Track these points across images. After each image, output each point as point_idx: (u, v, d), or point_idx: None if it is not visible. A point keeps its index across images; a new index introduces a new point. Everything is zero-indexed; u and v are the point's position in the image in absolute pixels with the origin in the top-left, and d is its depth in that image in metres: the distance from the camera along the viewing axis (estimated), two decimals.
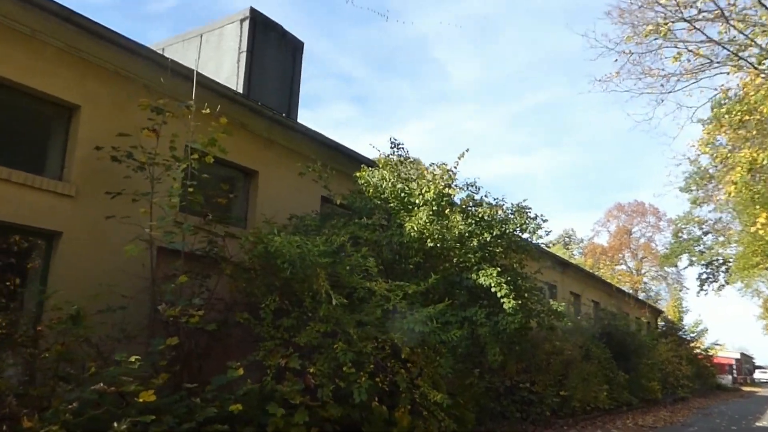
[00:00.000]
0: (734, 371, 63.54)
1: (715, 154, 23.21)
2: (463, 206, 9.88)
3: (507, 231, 9.84)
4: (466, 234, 9.42)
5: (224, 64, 10.95)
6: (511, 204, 10.36)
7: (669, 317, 38.62)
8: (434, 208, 9.12)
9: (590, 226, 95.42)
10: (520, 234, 10.28)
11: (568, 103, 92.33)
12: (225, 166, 9.90)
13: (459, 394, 10.51)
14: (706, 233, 45.08)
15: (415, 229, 8.77)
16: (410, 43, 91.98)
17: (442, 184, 9.43)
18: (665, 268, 61.30)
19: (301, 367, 6.91)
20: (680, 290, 56.65)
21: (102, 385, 4.93)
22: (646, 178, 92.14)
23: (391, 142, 10.85)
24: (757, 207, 18.96)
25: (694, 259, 44.22)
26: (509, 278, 9.71)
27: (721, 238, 43.25)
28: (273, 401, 6.62)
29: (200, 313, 6.57)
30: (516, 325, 8.71)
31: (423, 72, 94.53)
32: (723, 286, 44.05)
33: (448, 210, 9.19)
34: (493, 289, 8.83)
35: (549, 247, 24.07)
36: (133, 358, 5.45)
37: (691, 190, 43.55)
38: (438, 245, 8.97)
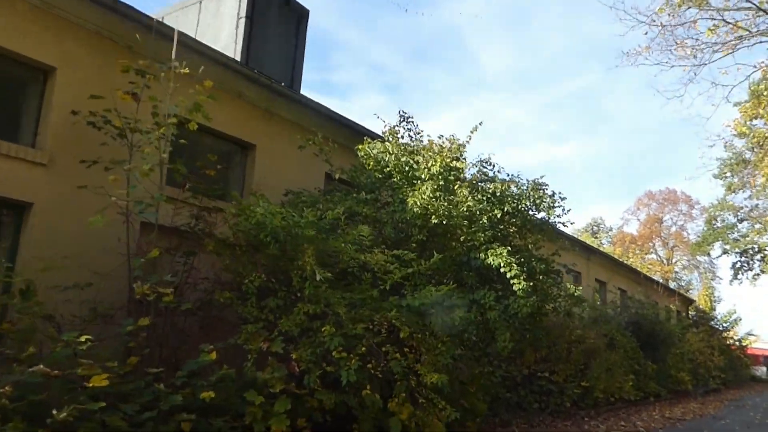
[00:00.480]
0: None
1: (752, 135, 21.95)
2: (473, 181, 9.15)
3: (520, 208, 9.07)
4: (476, 211, 8.69)
5: (222, 31, 10.34)
6: (527, 180, 9.59)
7: (700, 306, 37.27)
8: (440, 182, 8.41)
9: (620, 214, 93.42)
10: (536, 212, 9.49)
11: (604, 91, 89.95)
12: (220, 138, 9.32)
13: (469, 383, 9.84)
14: (741, 220, 43.37)
15: (418, 204, 8.06)
16: (442, 31, 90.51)
17: (450, 157, 8.70)
18: (697, 257, 59.37)
19: (284, 351, 6.29)
20: (712, 279, 54.85)
21: (41, 366, 4.36)
22: (682, 167, 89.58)
23: (400, 115, 10.13)
24: None
25: (727, 247, 42.58)
26: (522, 259, 8.98)
27: (758, 226, 41.61)
28: (253, 389, 6.03)
29: (168, 291, 5.96)
30: (528, 309, 7.99)
31: (455, 61, 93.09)
32: (758, 275, 42.42)
33: (457, 186, 8.46)
34: (502, 270, 8.11)
35: (576, 232, 23.08)
36: (83, 338, 4.87)
37: (726, 176, 41.97)
38: (444, 222, 8.26)
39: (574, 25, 79.82)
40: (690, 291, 54.42)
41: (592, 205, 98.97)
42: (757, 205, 41.27)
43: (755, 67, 17.95)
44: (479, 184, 9.07)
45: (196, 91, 7.00)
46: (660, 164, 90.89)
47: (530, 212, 9.45)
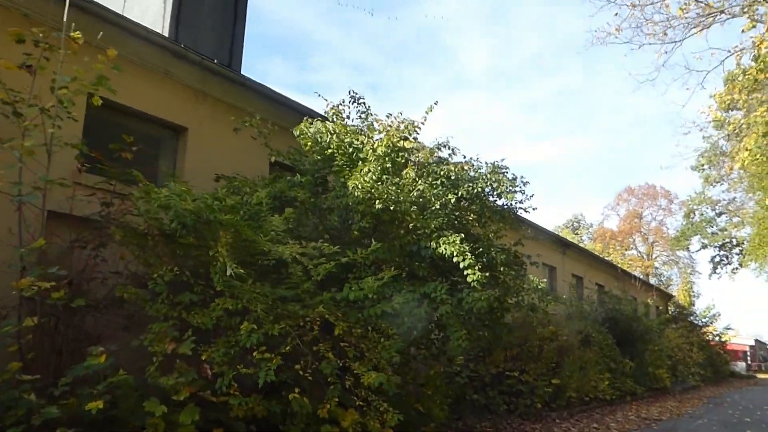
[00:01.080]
0: (749, 358, 61.69)
1: (728, 122, 21.48)
2: (425, 164, 8.38)
3: (477, 192, 8.32)
4: (429, 196, 7.93)
5: (151, 6, 9.47)
6: (485, 163, 8.83)
7: (680, 302, 36.90)
8: (387, 164, 7.63)
9: (600, 210, 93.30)
10: (496, 198, 8.75)
11: (584, 90, 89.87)
12: (147, 121, 8.48)
13: (425, 384, 9.07)
14: (719, 214, 43.17)
15: (360, 188, 7.27)
16: (422, 30, 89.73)
17: (398, 136, 7.92)
18: (677, 253, 59.28)
19: (193, 353, 5.47)
20: (691, 274, 54.69)
21: None
22: (663, 162, 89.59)
23: (350, 95, 9.29)
24: None
25: (706, 241, 42.38)
26: (479, 248, 8.23)
27: (736, 219, 41.44)
28: (155, 397, 5.20)
29: (47, 285, 5.11)
30: (484, 303, 7.22)
31: (435, 60, 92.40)
32: (737, 268, 42.24)
33: (409, 168, 7.68)
34: (455, 259, 7.33)
35: (556, 229, 22.54)
36: None
37: (703, 168, 41.72)
38: (391, 208, 7.47)
39: (552, 22, 79.61)
40: (670, 287, 54.21)
41: (575, 203, 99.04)
42: (734, 198, 41.10)
43: (729, 51, 17.45)
44: (431, 166, 8.29)
45: (99, 61, 6.16)
46: (641, 161, 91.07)
47: (489, 198, 8.69)
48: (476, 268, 7.27)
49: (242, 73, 9.76)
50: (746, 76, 16.11)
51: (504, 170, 8.83)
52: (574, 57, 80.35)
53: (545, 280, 9.40)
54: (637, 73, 33.20)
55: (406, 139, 7.97)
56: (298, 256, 5.84)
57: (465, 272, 7.30)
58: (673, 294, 39.13)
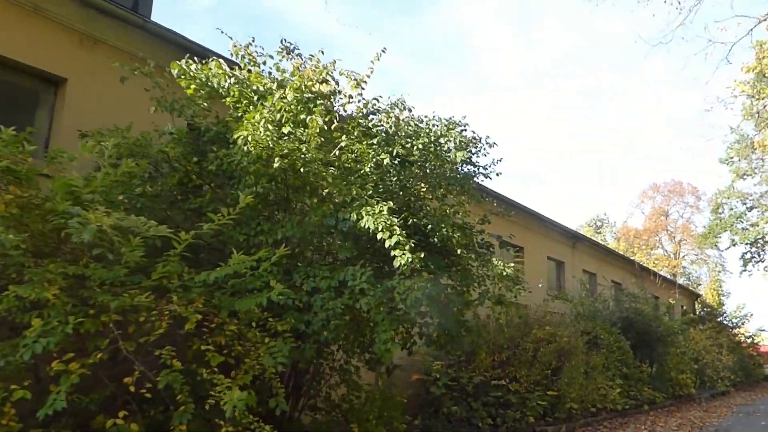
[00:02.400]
0: None
1: (757, 95, 19.25)
2: (353, 116, 6.56)
3: (426, 153, 6.48)
4: (354, 155, 6.12)
5: None
6: (439, 118, 6.96)
7: (707, 301, 34.37)
8: (299, 115, 5.84)
9: (624, 208, 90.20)
10: (451, 160, 6.87)
11: (614, 89, 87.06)
12: (13, 70, 6.81)
13: (367, 401, 7.22)
14: (750, 208, 40.37)
15: (251, 140, 5.48)
16: (447, 32, 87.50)
17: (314, 79, 6.12)
18: (706, 251, 56.33)
19: None
20: (719, 272, 51.74)
21: None
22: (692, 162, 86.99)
23: (282, 44, 7.40)
24: None
25: (736, 238, 39.66)
26: (430, 225, 6.39)
27: None
28: None
29: None
30: (418, 294, 5.37)
31: (461, 62, 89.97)
32: None
33: (317, 113, 5.82)
34: (379, 235, 5.50)
35: (579, 228, 20.34)
36: None
37: (732, 161, 39.12)
38: (300, 169, 5.68)
39: (582, 23, 76.89)
40: (699, 287, 51.31)
41: (600, 203, 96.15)
42: (766, 192, 38.33)
43: (758, 19, 15.30)
44: (358, 118, 6.47)
45: None
46: (669, 160, 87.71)
47: (443, 161, 6.82)
48: (407, 247, 5.42)
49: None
50: None
51: (463, 127, 6.97)
52: (603, 56, 77.19)
53: (512, 264, 7.44)
54: (648, 36, 30.19)
55: (325, 82, 6.15)
56: (109, 229, 4.03)
57: (392, 253, 5.47)
58: (701, 293, 36.49)
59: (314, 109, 5.94)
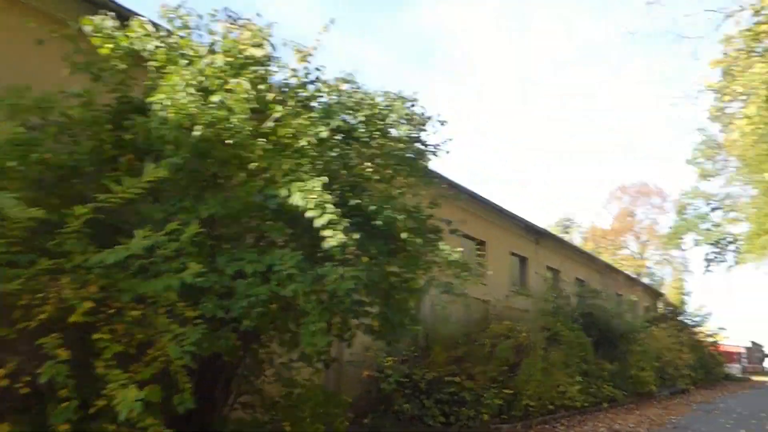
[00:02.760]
0: (744, 360, 59.51)
1: (723, 92, 19.16)
2: (287, 86, 6.03)
3: (370, 124, 5.99)
4: (289, 128, 5.59)
5: None
6: (385, 92, 6.46)
7: (670, 300, 34.59)
8: (218, 76, 5.28)
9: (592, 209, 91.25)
10: (397, 138, 6.39)
11: (598, 91, 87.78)
12: None
13: (300, 398, 6.69)
14: (714, 209, 40.87)
15: (169, 106, 4.92)
16: (435, 34, 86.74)
17: (247, 43, 5.57)
18: (670, 252, 57.03)
19: None
20: (682, 271, 52.36)
21: None
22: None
23: (227, 14, 6.78)
24: None
25: (700, 238, 40.09)
26: (373, 206, 5.89)
27: (731, 214, 39.09)
28: None
29: None
30: (349, 283, 4.87)
31: (449, 66, 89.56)
32: (732, 266, 39.96)
33: (242, 78, 5.28)
34: (308, 213, 4.99)
35: (546, 228, 19.93)
36: None
37: (698, 162, 39.47)
38: (227, 140, 5.13)
39: (572, 29, 77.19)
40: (664, 287, 51.85)
41: (571, 205, 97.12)
42: (729, 193, 38.76)
43: (726, 15, 15.15)
44: (293, 89, 5.94)
45: None
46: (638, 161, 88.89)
47: (389, 138, 6.34)
48: (340, 227, 4.92)
49: None
50: (748, 32, 13.77)
51: (410, 102, 6.49)
52: (593, 61, 77.40)
53: (460, 249, 7.00)
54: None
55: (259, 46, 5.61)
56: None
57: (322, 233, 4.96)
58: (664, 293, 36.75)
59: (242, 72, 5.39)
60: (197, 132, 4.94)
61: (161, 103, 4.97)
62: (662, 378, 25.54)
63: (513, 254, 18.09)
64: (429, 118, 6.73)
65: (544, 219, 71.03)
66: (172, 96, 4.96)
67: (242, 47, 5.51)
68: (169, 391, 4.51)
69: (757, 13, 13.36)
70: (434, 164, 7.35)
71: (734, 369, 47.72)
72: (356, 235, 5.07)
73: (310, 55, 6.39)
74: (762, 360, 78.01)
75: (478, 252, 15.51)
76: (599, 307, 17.53)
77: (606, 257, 51.55)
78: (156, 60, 5.62)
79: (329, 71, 6.46)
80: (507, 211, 16.90)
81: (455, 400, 10.55)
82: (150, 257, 4.46)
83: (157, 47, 5.57)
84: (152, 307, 4.43)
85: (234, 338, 5.14)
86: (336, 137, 5.98)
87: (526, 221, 18.23)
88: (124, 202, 4.77)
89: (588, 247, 52.62)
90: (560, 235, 47.48)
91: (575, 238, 63.62)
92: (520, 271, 18.91)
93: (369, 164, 6.57)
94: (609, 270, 23.51)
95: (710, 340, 33.22)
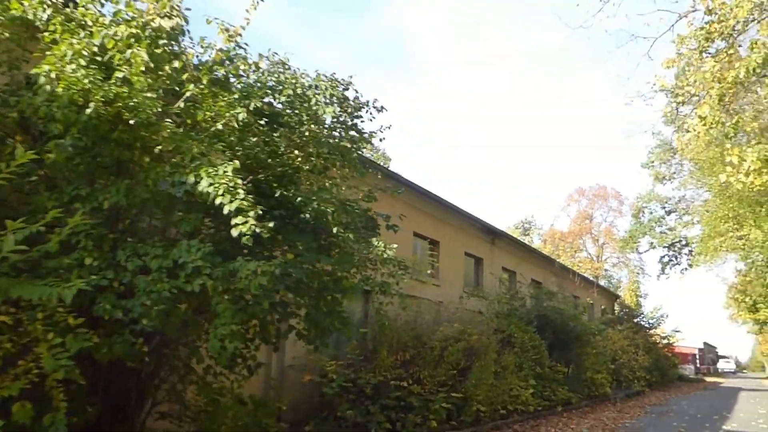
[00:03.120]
0: (697, 361, 60.69)
1: (676, 93, 19.18)
2: (201, 63, 5.46)
3: (295, 106, 5.46)
4: (212, 113, 5.03)
5: None
6: (315, 73, 5.95)
7: (626, 302, 34.84)
8: (114, 45, 4.70)
9: (551, 211, 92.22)
10: (326, 123, 5.89)
11: (560, 93, 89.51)
12: None
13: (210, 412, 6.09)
14: (669, 212, 41.50)
15: (50, 77, 4.31)
16: (390, 37, 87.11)
17: (156, 14, 4.99)
18: (627, 255, 57.77)
19: None
20: (638, 273, 53.10)
21: None
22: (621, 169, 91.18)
23: None
24: (728, 146, 14.86)
25: (655, 241, 40.61)
26: (300, 197, 5.36)
27: (686, 218, 39.69)
28: None
29: None
30: (263, 279, 4.34)
31: (407, 69, 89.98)
32: (686, 269, 40.57)
33: (141, 48, 4.69)
34: (218, 200, 4.44)
35: (507, 230, 19.55)
36: None
37: (653, 165, 39.98)
38: (127, 120, 4.55)
39: (523, 36, 78.33)
40: (620, 289, 52.47)
41: (532, 209, 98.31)
42: (684, 196, 39.31)
43: (679, 15, 15.08)
44: (207, 65, 5.37)
45: None
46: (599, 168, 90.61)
47: (318, 122, 5.82)
48: (251, 214, 4.38)
49: None
50: (701, 30, 13.68)
51: (344, 84, 5.99)
52: (540, 67, 78.87)
53: (395, 245, 6.53)
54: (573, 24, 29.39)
55: (168, 17, 5.02)
56: None
57: (232, 221, 4.42)
58: (620, 295, 37.04)
59: (142, 42, 4.80)
60: (89, 110, 4.33)
61: (47, 76, 4.35)
62: (618, 380, 25.59)
63: (468, 255, 17.73)
64: (365, 103, 6.25)
65: (503, 221, 71.79)
66: (61, 68, 4.35)
67: (149, 17, 4.93)
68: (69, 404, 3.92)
69: (709, 12, 13.29)
70: (397, 166, 6.89)
71: (688, 370, 48.54)
72: (271, 224, 4.53)
73: (238, 35, 5.85)
74: (715, 361, 79.90)
75: (431, 252, 15.10)
76: (554, 309, 17.28)
77: (564, 260, 51.98)
78: (51, 31, 4.98)
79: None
80: (462, 210, 16.53)
81: (402, 406, 10.06)
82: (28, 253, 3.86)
83: (52, 15, 4.94)
84: (28, 312, 3.82)
85: (131, 342, 4.54)
86: (260, 121, 5.44)
87: (482, 221, 17.89)
88: (10, 191, 4.16)
89: (546, 250, 52.89)
90: (520, 237, 47.61)
91: (534, 240, 64.19)
92: (475, 272, 18.56)
93: (298, 152, 6.04)
94: (566, 272, 23.40)
95: (665, 342, 33.55)
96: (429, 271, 12.84)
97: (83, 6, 5.07)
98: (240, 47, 5.55)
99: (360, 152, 6.45)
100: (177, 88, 5.17)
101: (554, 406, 15.17)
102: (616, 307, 34.64)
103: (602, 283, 47.53)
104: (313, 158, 6.11)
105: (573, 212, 62.13)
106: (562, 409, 15.45)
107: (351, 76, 6.20)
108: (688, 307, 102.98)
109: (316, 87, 5.61)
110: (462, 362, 11.45)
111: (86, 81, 4.43)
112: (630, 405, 19.28)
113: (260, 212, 4.43)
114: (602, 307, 33.38)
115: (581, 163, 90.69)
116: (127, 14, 4.98)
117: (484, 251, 18.72)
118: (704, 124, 12.84)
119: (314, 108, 5.57)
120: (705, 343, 72.49)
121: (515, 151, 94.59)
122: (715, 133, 12.87)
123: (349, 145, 6.13)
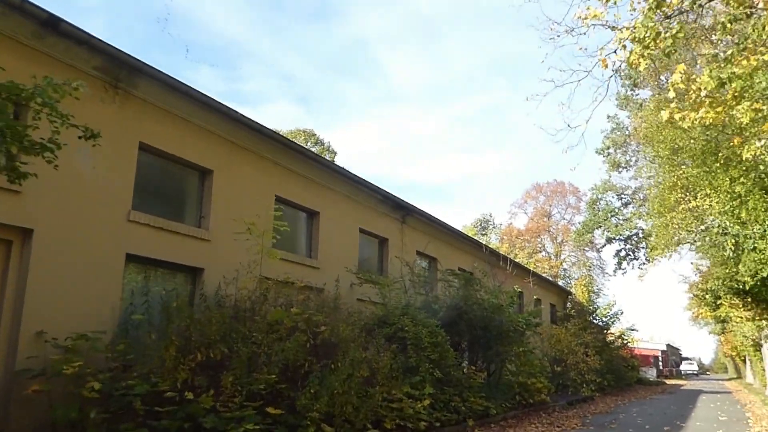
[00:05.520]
0: (660, 363, 58.33)
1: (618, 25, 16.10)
2: None
3: None
4: None
5: None
6: None
7: (576, 298, 31.88)
8: None
9: (507, 208, 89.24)
10: None
11: (511, 105, 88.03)
12: None
13: None
14: (626, 204, 38.78)
15: None
16: (352, 44, 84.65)
17: None
18: (587, 254, 55.11)
19: None
20: (590, 268, 50.46)
21: None
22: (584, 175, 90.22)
23: None
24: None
25: (610, 234, 37.82)
26: None
27: (643, 209, 36.96)
28: None
29: None
30: None
31: (366, 73, 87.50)
32: (644, 263, 37.87)
33: None
34: None
35: (464, 229, 16.31)
36: None
37: (608, 152, 37.26)
38: None
39: (484, 41, 76.49)
40: (573, 286, 49.67)
41: (491, 210, 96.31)
42: (641, 186, 36.51)
43: None
44: None
45: None
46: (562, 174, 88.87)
47: None
48: None
49: None
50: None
51: None
52: (504, 73, 77.23)
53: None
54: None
55: None
56: None
57: None
58: (572, 291, 34.06)
59: None
60: None
61: None
62: (563, 385, 22.50)
63: (365, 232, 14.34)
64: None
65: (461, 221, 68.82)
66: None
67: None
68: None
69: None
70: None
71: (649, 373, 45.94)
72: None
73: None
74: (678, 363, 78.02)
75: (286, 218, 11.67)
76: (470, 297, 13.98)
77: (522, 258, 49.04)
78: None
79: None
80: (352, 174, 13.09)
81: (186, 429, 6.62)
82: None
83: None
84: None
85: None
86: None
87: (384, 191, 14.46)
88: None
89: (504, 248, 49.86)
90: (477, 237, 44.26)
91: (492, 239, 61.19)
92: (379, 255, 15.19)
93: None
94: (496, 257, 20.06)
95: (620, 342, 30.68)
96: (273, 238, 9.45)
97: None
98: None
99: None
100: None
101: (463, 420, 11.80)
102: (569, 305, 31.67)
103: (560, 283, 44.56)
104: None
105: (530, 210, 59.50)
106: (475, 424, 12.10)
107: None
108: (652, 309, 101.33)
109: None
110: (303, 362, 8.05)
111: None
112: (569, 414, 16.06)
113: None
114: (553, 304, 30.35)
115: (538, 159, 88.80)
116: None
117: (390, 231, 15.36)
118: (636, 39, 9.47)
119: None
120: (668, 345, 70.45)
121: (472, 149, 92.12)
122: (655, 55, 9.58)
123: None
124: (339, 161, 41.67)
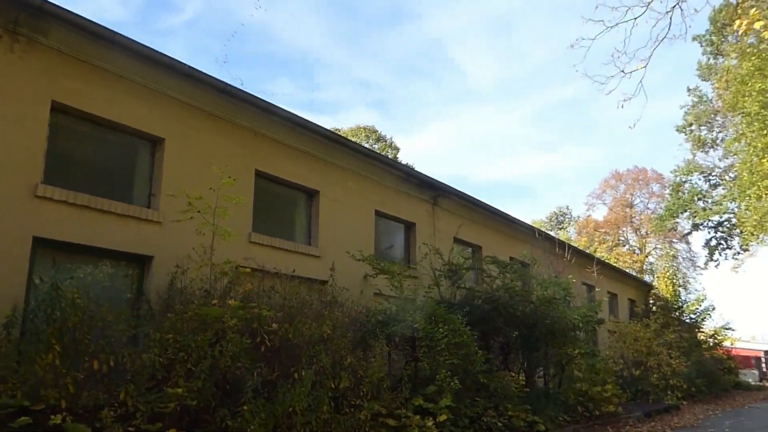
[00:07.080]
0: (763, 365, 52.54)
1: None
2: None
3: None
4: None
5: None
6: None
7: (659, 293, 28.39)
8: None
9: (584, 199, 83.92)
10: None
11: (591, 99, 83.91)
12: None
13: None
14: (714, 186, 34.51)
15: None
16: (427, 45, 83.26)
17: None
18: (675, 246, 50.42)
19: None
20: (677, 261, 45.88)
21: None
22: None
23: None
24: None
25: (697, 219, 33.76)
26: None
27: (736, 191, 32.77)
28: None
29: None
30: None
31: (441, 74, 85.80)
32: (738, 253, 33.68)
33: None
34: None
35: (537, 222, 14.35)
36: None
37: (691, 129, 33.37)
38: None
39: (557, 34, 73.21)
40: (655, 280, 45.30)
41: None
42: (732, 165, 32.34)
43: None
44: None
45: None
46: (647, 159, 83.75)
47: None
48: None
49: None
50: None
51: None
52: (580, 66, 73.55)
53: None
54: None
55: None
56: None
57: None
58: (654, 285, 30.44)
59: None
60: None
61: None
62: (643, 392, 19.53)
63: (381, 215, 12.26)
64: None
65: (538, 216, 65.13)
66: None
67: None
68: None
69: None
70: None
71: (750, 376, 41.09)
72: None
73: None
74: None
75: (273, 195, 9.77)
76: (511, 288, 11.62)
77: (600, 252, 45.23)
78: None
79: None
80: (363, 148, 11.13)
81: None
82: None
83: None
84: None
85: None
86: None
87: (410, 169, 12.36)
88: None
89: (582, 242, 46.21)
90: (553, 232, 40.93)
91: (570, 233, 57.24)
92: (405, 242, 13.09)
93: None
94: (552, 244, 17.33)
95: (713, 341, 26.97)
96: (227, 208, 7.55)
97: None
98: None
99: None
100: None
101: None
102: (651, 300, 28.31)
103: (646, 278, 40.50)
104: None
105: (609, 200, 55.31)
106: None
107: None
108: (753, 306, 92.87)
109: None
110: (254, 373, 6.11)
111: None
112: (643, 430, 13.35)
113: None
114: (631, 300, 27.13)
115: (621, 151, 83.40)
116: None
117: (418, 214, 13.23)
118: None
119: None
120: None
121: (568, 160, 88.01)
122: None
123: None
124: (413, 163, 39.26)
